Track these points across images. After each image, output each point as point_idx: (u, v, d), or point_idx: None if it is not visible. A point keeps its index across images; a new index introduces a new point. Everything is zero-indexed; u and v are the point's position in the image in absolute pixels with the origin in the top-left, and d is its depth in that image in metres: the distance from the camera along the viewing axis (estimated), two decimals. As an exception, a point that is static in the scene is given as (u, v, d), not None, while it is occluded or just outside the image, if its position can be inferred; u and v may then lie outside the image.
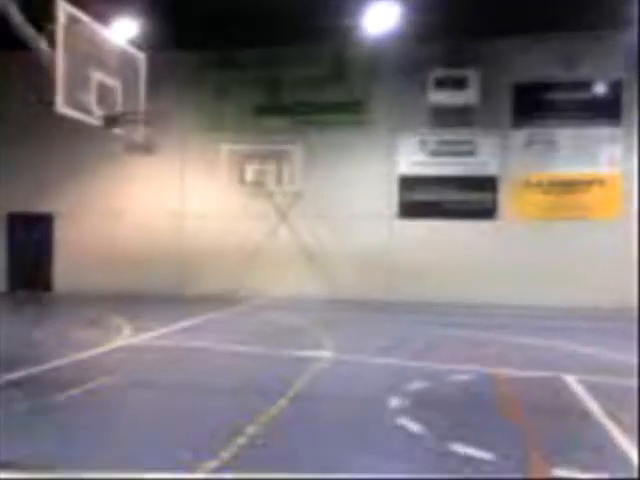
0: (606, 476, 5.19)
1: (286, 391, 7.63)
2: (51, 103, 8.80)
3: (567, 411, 7.09)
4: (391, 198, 19.01)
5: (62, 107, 8.91)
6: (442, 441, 5.86)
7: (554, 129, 18.17)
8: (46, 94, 8.83)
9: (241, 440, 5.80)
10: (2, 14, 8.64)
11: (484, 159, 18.58)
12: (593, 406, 7.18)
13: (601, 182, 17.89)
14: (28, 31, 8.97)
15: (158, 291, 18.82)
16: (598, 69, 17.82)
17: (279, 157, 18.74)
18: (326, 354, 10.19)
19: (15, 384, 7.83)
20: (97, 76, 9.90)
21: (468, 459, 5.44)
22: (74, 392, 7.46)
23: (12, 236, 21.05)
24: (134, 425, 6.50)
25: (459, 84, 17.75)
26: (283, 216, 19.44)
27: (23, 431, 6.00)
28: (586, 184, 17.95)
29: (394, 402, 7.22)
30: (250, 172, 18.74)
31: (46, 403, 7.01)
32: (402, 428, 6.30)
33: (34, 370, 8.60)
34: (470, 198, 18.60)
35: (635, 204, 17.42)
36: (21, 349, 10.25)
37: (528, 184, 18.31)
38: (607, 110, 17.86)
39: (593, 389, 7.92)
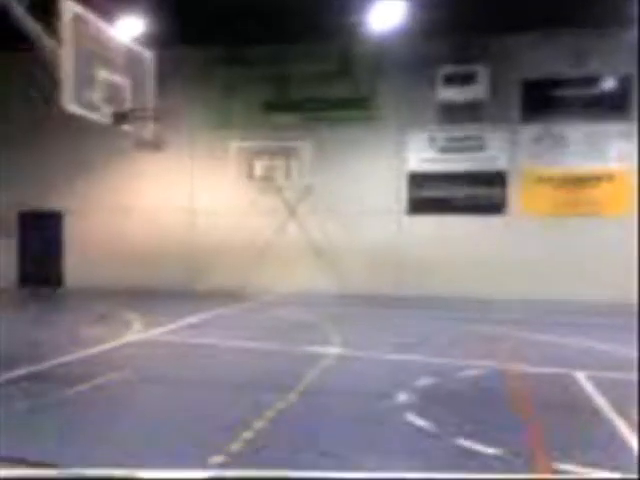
0: (616, 475, 5.18)
1: (295, 386, 7.65)
2: (48, 101, 8.81)
3: (577, 408, 7.07)
4: (400, 194, 18.99)
5: (69, 105, 8.94)
6: (451, 437, 5.86)
7: (563, 125, 18.09)
8: (52, 93, 8.86)
9: (248, 435, 5.82)
10: (8, 13, 8.68)
11: (493, 154, 18.53)
12: (604, 403, 7.15)
13: (610, 177, 17.81)
14: (34, 30, 9.01)
15: (168, 287, 18.88)
16: (607, 65, 17.72)
17: (288, 153, 18.74)
18: (335, 350, 10.20)
19: (25, 379, 7.89)
20: (104, 74, 9.92)
21: (477, 455, 5.44)
22: (83, 387, 7.51)
23: (23, 234, 21.18)
24: (141, 420, 6.51)
25: (468, 80, 17.71)
26: (292, 212, 19.46)
27: (30, 427, 6.04)
28: (595, 179, 17.88)
29: (403, 398, 7.22)
30: (259, 168, 18.76)
31: (54, 398, 7.05)
32: (411, 424, 6.30)
33: (44, 366, 8.65)
34: (479, 193, 18.56)
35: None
36: (31, 345, 10.30)
37: (537, 179, 18.25)
38: (616, 106, 17.77)
39: (603, 385, 7.89)
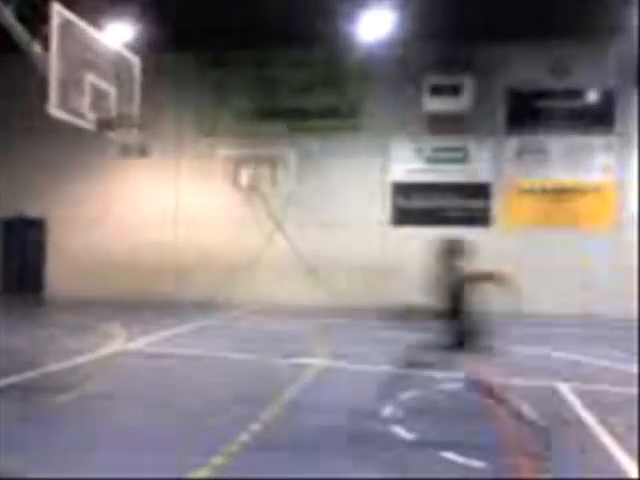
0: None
1: (280, 399, 7.59)
2: (34, 107, 8.72)
3: (560, 419, 7.06)
4: (385, 205, 19.00)
5: (55, 111, 8.87)
6: (437, 450, 5.83)
7: (548, 136, 18.22)
8: (38, 99, 8.78)
9: (232, 448, 5.75)
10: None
11: (478, 166, 18.62)
12: (586, 414, 7.17)
13: (594, 190, 17.94)
14: (22, 35, 8.93)
15: (151, 296, 18.73)
16: (591, 77, 17.90)
17: (274, 162, 18.71)
18: (321, 361, 10.14)
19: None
20: (91, 80, 9.86)
21: (460, 467, 5.41)
22: (58, 400, 7.37)
23: (4, 241, 20.96)
24: (115, 435, 6.28)
25: (453, 91, 17.78)
26: (277, 222, 19.39)
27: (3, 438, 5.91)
28: (579, 192, 18.00)
29: (387, 410, 7.18)
30: (245, 177, 18.70)
31: (28, 411, 6.93)
32: (396, 437, 6.26)
33: (17, 378, 8.47)
34: (464, 205, 18.62)
35: (630, 211, 17.48)
36: (6, 356, 10.07)
37: (521, 191, 18.34)
38: (600, 118, 17.94)
39: (585, 397, 7.92)
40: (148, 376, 9.17)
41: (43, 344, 11.36)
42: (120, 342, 11.62)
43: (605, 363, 10.52)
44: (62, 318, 15.55)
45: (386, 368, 9.70)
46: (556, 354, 11.35)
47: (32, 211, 20.51)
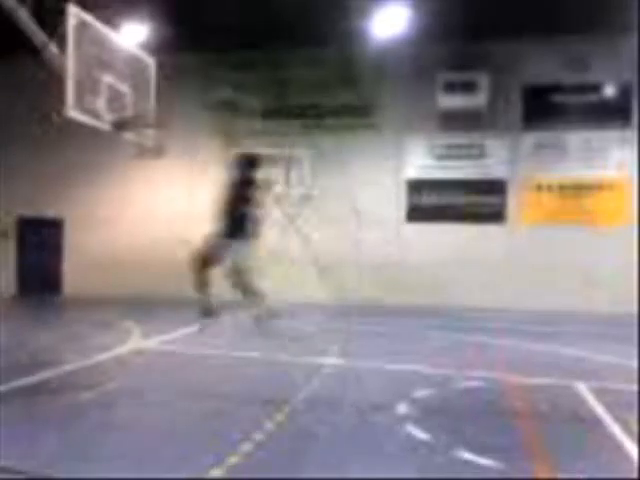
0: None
1: (293, 398, 7.61)
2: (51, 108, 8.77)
3: (576, 418, 7.04)
4: (400, 202, 18.96)
5: (72, 111, 8.93)
6: (449, 449, 5.83)
7: (564, 132, 18.10)
8: (55, 99, 8.84)
9: (246, 447, 5.78)
10: (13, 19, 8.68)
11: (493, 162, 18.53)
12: (602, 413, 7.13)
13: (611, 186, 17.80)
14: (38, 36, 9.01)
15: (167, 296, 18.75)
16: (608, 72, 17.75)
17: (288, 161, 18.69)
18: (334, 360, 10.15)
19: (22, 390, 7.83)
20: (107, 80, 9.91)
21: (475, 467, 5.41)
22: (80, 397, 7.44)
23: (22, 241, 21.13)
24: (131, 434, 6.31)
25: (468, 87, 17.71)
26: (291, 220, 19.37)
27: (26, 437, 5.98)
28: (596, 188, 17.87)
29: (401, 409, 7.18)
30: (258, 176, 18.68)
31: (52, 408, 7.00)
32: (409, 435, 6.26)
33: (41, 376, 8.57)
34: (479, 201, 18.56)
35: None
36: (29, 354, 10.19)
37: (537, 188, 18.25)
38: (617, 113, 17.79)
39: (602, 395, 7.87)
40: (169, 372, 9.25)
41: (63, 342, 11.43)
42: (137, 340, 11.71)
43: (617, 360, 10.47)
44: (80, 316, 15.67)
45: (400, 367, 9.76)
46: (566, 350, 11.30)
47: (49, 211, 20.70)
